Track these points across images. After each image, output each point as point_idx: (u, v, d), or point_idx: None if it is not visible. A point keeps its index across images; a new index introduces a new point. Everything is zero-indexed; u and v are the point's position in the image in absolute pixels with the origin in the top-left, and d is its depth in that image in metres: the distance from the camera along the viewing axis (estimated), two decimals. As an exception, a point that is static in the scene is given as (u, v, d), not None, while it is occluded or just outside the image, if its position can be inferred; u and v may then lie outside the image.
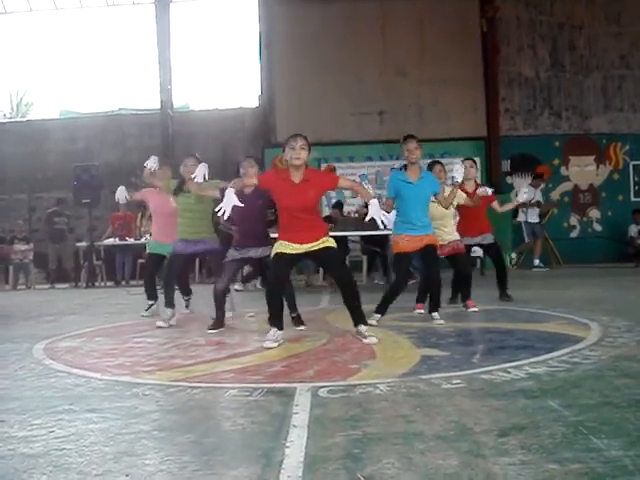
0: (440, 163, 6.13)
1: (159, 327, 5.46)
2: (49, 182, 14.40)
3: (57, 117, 15.93)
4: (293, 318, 5.21)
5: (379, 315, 5.26)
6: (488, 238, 6.61)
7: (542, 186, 12.79)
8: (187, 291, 6.51)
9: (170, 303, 5.70)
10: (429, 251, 5.25)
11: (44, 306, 8.18)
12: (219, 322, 5.21)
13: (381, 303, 5.30)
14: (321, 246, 4.36)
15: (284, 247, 4.36)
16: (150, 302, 6.42)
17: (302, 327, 5.09)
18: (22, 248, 12.31)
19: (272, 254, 4.46)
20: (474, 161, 6.86)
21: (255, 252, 5.21)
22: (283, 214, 4.43)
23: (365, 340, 4.27)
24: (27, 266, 12.38)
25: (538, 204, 12.26)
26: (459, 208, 6.31)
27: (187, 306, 6.53)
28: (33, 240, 12.90)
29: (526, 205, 12.24)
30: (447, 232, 6.04)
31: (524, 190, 6.76)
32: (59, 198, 12.93)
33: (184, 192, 5.60)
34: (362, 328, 4.37)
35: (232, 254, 5.25)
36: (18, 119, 20.59)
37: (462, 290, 6.13)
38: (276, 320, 4.36)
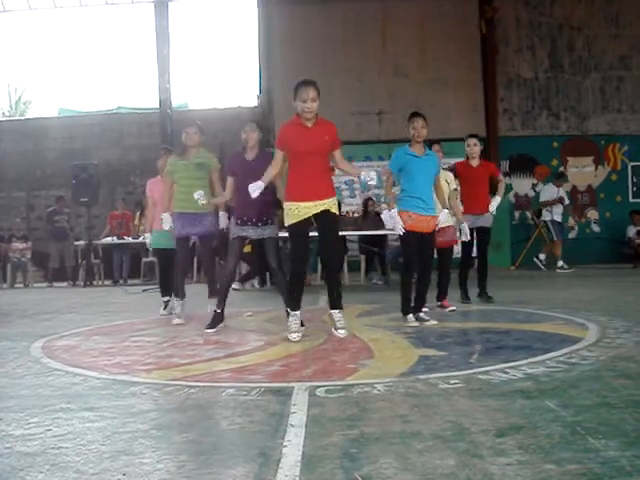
0: (439, 143, 6.06)
1: (178, 324, 5.51)
2: (47, 180, 14.40)
3: (56, 115, 15.91)
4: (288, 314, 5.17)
5: (411, 314, 5.14)
6: (485, 219, 6.36)
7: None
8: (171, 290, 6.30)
9: (181, 293, 5.73)
10: (428, 242, 5.18)
11: (42, 304, 8.17)
12: (218, 318, 5.12)
13: (402, 301, 5.20)
14: (327, 208, 4.34)
15: (294, 214, 4.34)
16: (177, 299, 6.08)
17: (301, 328, 5.05)
18: (20, 246, 12.31)
19: (286, 225, 4.45)
20: (478, 138, 6.62)
21: (254, 232, 5.04)
22: (294, 161, 4.37)
23: (335, 332, 4.39)
24: (25, 264, 12.38)
25: (561, 200, 12.07)
26: (461, 181, 6.19)
27: (165, 307, 6.41)
28: (31, 238, 12.90)
29: (549, 203, 12.12)
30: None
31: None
32: (58, 196, 12.92)
33: (183, 160, 5.54)
34: (336, 315, 4.45)
35: (234, 231, 5.13)
36: (16, 117, 20.58)
37: (442, 285, 6.02)
38: (297, 303, 4.53)
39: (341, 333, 4.39)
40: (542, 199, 12.42)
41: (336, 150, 4.46)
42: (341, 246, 4.59)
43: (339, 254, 4.52)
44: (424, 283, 5.26)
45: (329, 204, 4.37)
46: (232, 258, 5.20)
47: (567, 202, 12.41)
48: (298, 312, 4.53)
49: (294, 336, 4.39)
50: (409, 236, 5.07)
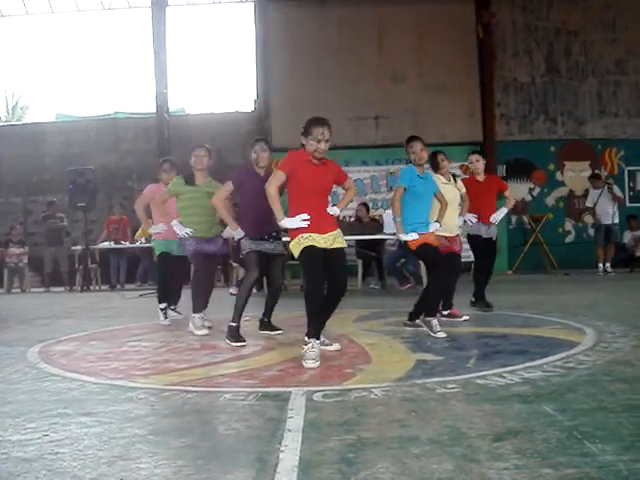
0: (443, 153, 5.84)
1: (204, 335, 5.17)
2: (45, 185, 14.38)
3: (53, 120, 15.91)
4: (262, 322, 5.13)
5: (436, 321, 4.89)
6: (491, 231, 6.27)
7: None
8: (177, 299, 6.34)
9: (199, 307, 5.40)
10: (453, 256, 5.52)
11: (39, 309, 8.16)
12: (237, 332, 4.77)
13: (426, 306, 4.99)
14: (337, 245, 4.05)
15: (311, 240, 3.95)
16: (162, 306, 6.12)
17: (273, 332, 5.03)
18: (17, 251, 12.31)
19: (300, 249, 3.95)
20: (480, 154, 6.46)
21: (269, 246, 4.89)
22: (297, 198, 4.04)
23: (331, 347, 4.22)
24: (22, 269, 12.37)
25: (613, 199, 11.58)
26: (469, 195, 6.03)
27: (175, 310, 6.32)
28: (28, 244, 12.89)
29: (587, 210, 11.82)
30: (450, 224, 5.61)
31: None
32: (49, 201, 12.91)
33: (192, 186, 5.39)
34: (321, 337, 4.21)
35: (248, 245, 4.87)
36: (14, 122, 20.59)
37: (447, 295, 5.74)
38: (318, 330, 3.92)
39: (336, 346, 4.24)
40: (587, 204, 12.18)
41: (345, 182, 4.34)
42: (347, 280, 4.28)
43: (345, 288, 4.23)
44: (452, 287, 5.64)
45: (337, 240, 4.07)
46: (255, 270, 4.86)
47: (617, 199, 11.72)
48: (316, 343, 3.84)
49: (309, 363, 3.71)
50: (424, 247, 4.95)
